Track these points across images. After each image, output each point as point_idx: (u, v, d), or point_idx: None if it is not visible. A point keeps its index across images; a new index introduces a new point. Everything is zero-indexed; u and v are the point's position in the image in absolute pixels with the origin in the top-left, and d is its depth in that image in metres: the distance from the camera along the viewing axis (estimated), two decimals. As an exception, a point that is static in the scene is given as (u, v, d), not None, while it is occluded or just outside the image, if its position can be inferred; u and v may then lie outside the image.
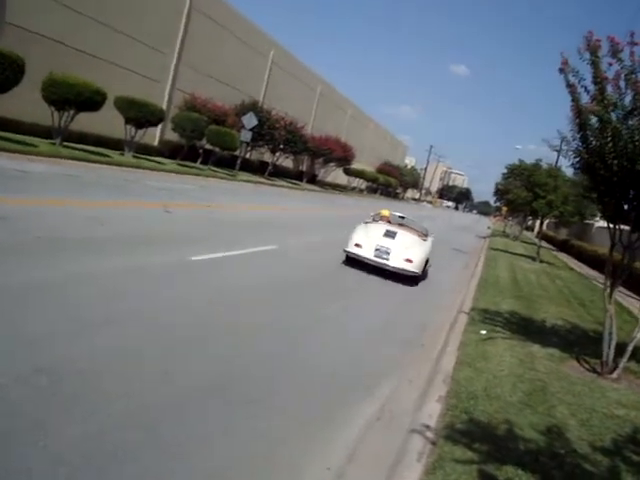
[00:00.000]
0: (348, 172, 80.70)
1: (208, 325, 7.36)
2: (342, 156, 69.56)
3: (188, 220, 16.12)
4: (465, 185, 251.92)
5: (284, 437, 5.03)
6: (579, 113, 8.22)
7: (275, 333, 7.87)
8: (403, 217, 17.14)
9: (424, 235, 16.11)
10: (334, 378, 6.75)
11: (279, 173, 58.84)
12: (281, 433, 5.09)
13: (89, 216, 12.36)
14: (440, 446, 5.15)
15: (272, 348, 7.22)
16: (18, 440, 3.90)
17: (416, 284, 14.74)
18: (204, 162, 42.31)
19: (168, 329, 6.79)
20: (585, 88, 8.11)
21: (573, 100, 8.27)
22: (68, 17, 31.33)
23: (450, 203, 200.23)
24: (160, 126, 37.37)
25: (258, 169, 54.46)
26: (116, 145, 32.63)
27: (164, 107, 37.90)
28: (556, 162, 35.06)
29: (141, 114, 30.83)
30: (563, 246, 47.90)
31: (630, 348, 8.50)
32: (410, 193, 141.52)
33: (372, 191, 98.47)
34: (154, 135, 39.79)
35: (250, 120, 42.36)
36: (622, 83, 7.75)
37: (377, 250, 14.24)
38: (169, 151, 40.35)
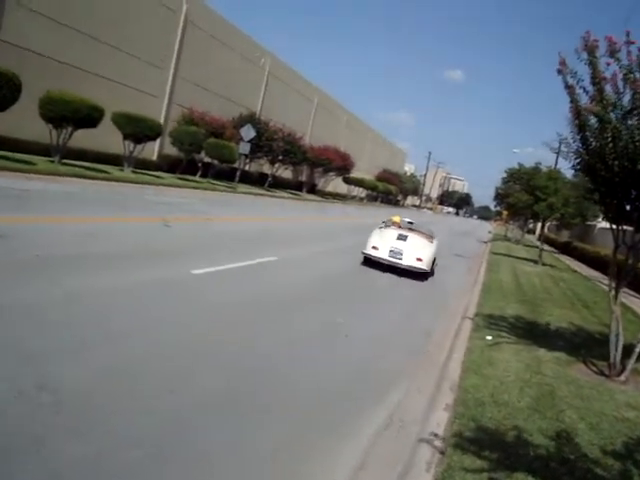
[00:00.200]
0: (348, 181, 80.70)
1: (210, 341, 7.29)
2: (341, 165, 69.58)
3: (188, 233, 16.08)
4: (465, 190, 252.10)
5: (295, 443, 4.96)
6: (578, 114, 8.19)
7: (271, 348, 7.80)
8: (412, 222, 19.70)
9: (431, 238, 18.36)
10: (345, 384, 6.69)
11: (279, 184, 58.84)
12: (290, 440, 5.02)
13: (88, 232, 12.32)
14: (449, 455, 5.08)
15: (270, 360, 7.15)
16: (17, 460, 3.84)
17: (425, 279, 16.96)
18: (203, 175, 42.32)
19: (170, 346, 6.73)
20: (584, 89, 8.08)
21: (572, 101, 8.24)
22: (63, 34, 31.40)
23: (451, 209, 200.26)
24: (158, 140, 37.35)
25: (257, 181, 54.44)
26: (115, 161, 32.65)
27: (162, 121, 37.93)
28: (555, 164, 35.09)
29: (139, 129, 30.85)
30: (565, 248, 47.84)
31: (638, 349, 8.42)
32: (410, 200, 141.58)
33: (372, 199, 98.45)
34: (153, 150, 39.81)
35: (248, 132, 42.37)
36: (620, 83, 7.72)
37: (391, 251, 16.57)
38: (168, 165, 40.36)
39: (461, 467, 4.87)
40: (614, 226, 8.93)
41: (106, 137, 30.93)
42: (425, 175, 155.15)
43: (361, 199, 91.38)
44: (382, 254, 16.60)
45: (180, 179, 36.72)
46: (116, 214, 16.73)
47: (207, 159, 41.98)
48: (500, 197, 54.34)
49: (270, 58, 58.39)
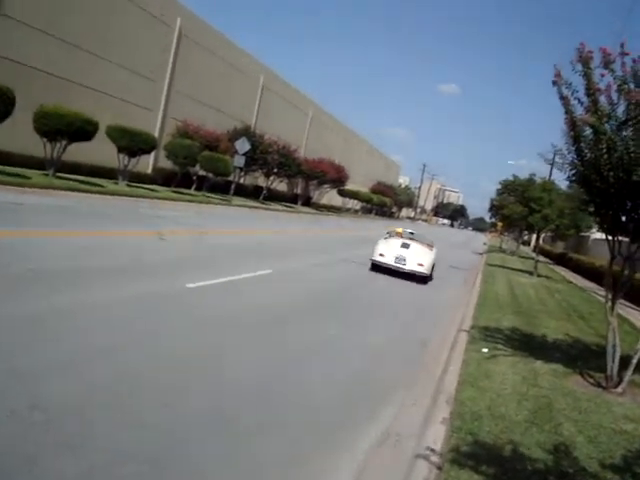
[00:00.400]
0: (342, 193, 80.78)
1: (204, 356, 7.23)
2: (336, 178, 69.63)
3: (183, 247, 16.03)
4: (460, 202, 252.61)
5: (289, 458, 4.90)
6: (573, 125, 8.18)
7: (266, 362, 7.74)
8: (413, 233, 21.78)
9: (431, 246, 20.77)
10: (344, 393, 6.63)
11: (273, 197, 58.82)
12: (284, 455, 4.95)
13: (83, 246, 12.27)
14: (446, 471, 5.01)
15: (267, 372, 7.08)
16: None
17: (425, 283, 19.06)
18: (198, 188, 42.31)
19: (164, 361, 6.66)
20: (578, 100, 8.08)
21: (567, 112, 8.24)
22: (57, 48, 31.48)
23: (446, 220, 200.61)
24: (153, 154, 37.36)
25: (252, 194, 54.43)
26: (109, 174, 32.63)
27: (156, 135, 37.99)
28: (549, 175, 35.14)
29: (133, 143, 30.81)
30: (560, 259, 47.89)
31: (635, 361, 8.38)
32: (405, 212, 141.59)
33: (367, 211, 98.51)
34: (147, 163, 39.82)
35: (243, 145, 42.38)
36: (614, 94, 7.72)
37: (396, 258, 18.82)
38: (163, 178, 40.33)
39: (458, 483, 4.81)
40: (610, 237, 8.91)
41: (100, 150, 30.90)
42: (420, 187, 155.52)
43: (356, 211, 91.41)
44: (388, 260, 18.86)
45: (175, 192, 36.66)
46: (111, 228, 16.67)
47: (202, 172, 41.99)
48: (495, 209, 54.51)
49: (264, 71, 58.57)
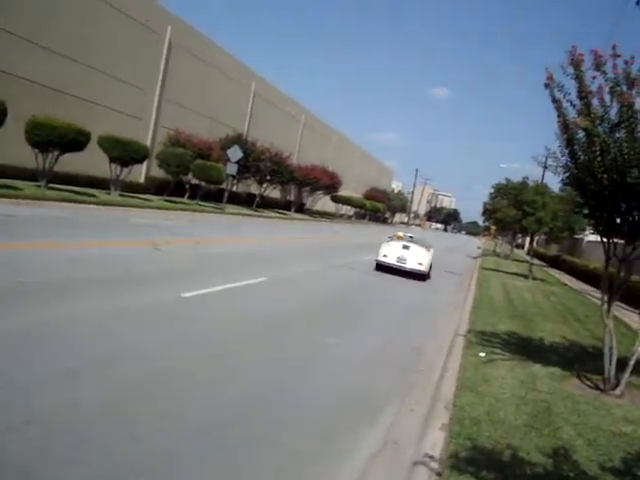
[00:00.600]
0: (336, 199, 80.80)
1: (200, 368, 7.18)
2: (329, 184, 69.69)
3: (177, 256, 15.98)
4: (453, 206, 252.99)
5: (288, 469, 4.85)
6: (566, 128, 8.19)
7: (263, 371, 7.70)
8: (412, 237, 24.42)
9: (428, 248, 23.04)
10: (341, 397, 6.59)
11: (267, 204, 58.79)
12: (284, 466, 4.91)
13: (76, 257, 12.21)
14: (446, 477, 4.98)
15: (263, 382, 7.04)
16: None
17: (424, 280, 21.55)
18: (191, 197, 42.25)
19: (161, 372, 6.61)
20: (571, 102, 8.08)
21: (559, 115, 8.24)
22: (48, 59, 31.44)
23: (439, 225, 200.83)
24: (145, 163, 37.21)
25: (246, 201, 54.39)
26: (102, 184, 32.52)
27: (148, 144, 37.93)
28: (542, 178, 35.27)
29: (125, 152, 30.71)
30: (554, 262, 47.96)
31: (632, 362, 8.37)
32: (398, 217, 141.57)
33: (361, 217, 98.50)
34: (140, 172, 39.71)
35: (235, 153, 42.33)
36: (607, 96, 7.73)
37: (398, 258, 21.38)
38: (155, 188, 40.24)
39: (459, 489, 4.77)
40: (605, 239, 8.91)
41: (93, 161, 30.82)
42: (412, 192, 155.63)
43: (349, 217, 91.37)
44: (391, 260, 21.45)
45: (168, 201, 36.59)
46: (104, 238, 16.60)
47: (194, 181, 41.94)
48: (488, 212, 54.48)
49: (255, 78, 58.63)
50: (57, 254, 12.32)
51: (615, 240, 8.90)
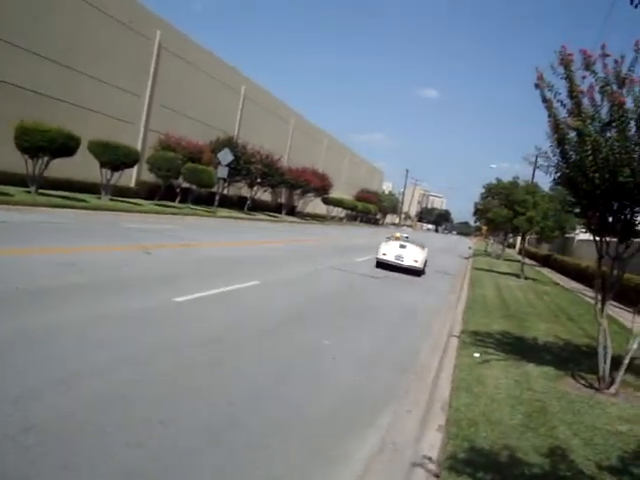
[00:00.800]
0: (327, 201, 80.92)
1: (194, 374, 7.15)
2: (320, 186, 69.81)
3: (169, 260, 15.93)
4: (444, 207, 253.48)
5: (287, 471, 4.83)
6: (557, 128, 8.20)
7: (259, 375, 7.67)
8: (407, 237, 27.25)
9: (423, 247, 25.60)
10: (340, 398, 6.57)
11: (258, 207, 58.80)
12: (283, 468, 4.88)
13: (68, 263, 12.13)
14: (444, 479, 4.97)
15: (259, 385, 7.02)
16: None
17: (419, 276, 23.85)
18: (182, 201, 42.20)
19: (157, 377, 6.58)
20: (561, 102, 8.10)
21: (550, 115, 8.26)
22: (36, 64, 31.39)
23: (430, 226, 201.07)
24: (136, 167, 37.21)
25: (237, 204, 54.34)
26: (93, 189, 32.46)
27: (139, 148, 37.86)
28: (532, 178, 35.39)
29: (116, 157, 30.65)
30: (546, 261, 48.10)
31: (626, 361, 8.38)
32: (390, 218, 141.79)
33: (352, 219, 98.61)
34: (130, 177, 39.68)
35: (226, 156, 42.31)
36: (597, 95, 7.76)
37: (396, 256, 23.79)
38: (146, 192, 40.18)
39: (457, 491, 4.77)
40: (597, 238, 8.92)
41: (83, 166, 30.75)
42: (403, 193, 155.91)
43: (341, 219, 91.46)
44: (390, 258, 23.86)
45: (159, 205, 36.53)
46: (96, 243, 16.54)
47: (185, 184, 41.91)
48: (479, 212, 54.57)
49: (245, 82, 58.65)
50: (50, 259, 12.23)
51: (607, 239, 8.92)
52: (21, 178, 26.35)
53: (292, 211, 71.48)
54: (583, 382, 8.97)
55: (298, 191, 68.70)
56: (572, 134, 8.12)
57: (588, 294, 24.81)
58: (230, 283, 13.19)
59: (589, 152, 7.81)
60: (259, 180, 53.82)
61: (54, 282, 10.26)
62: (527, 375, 9.02)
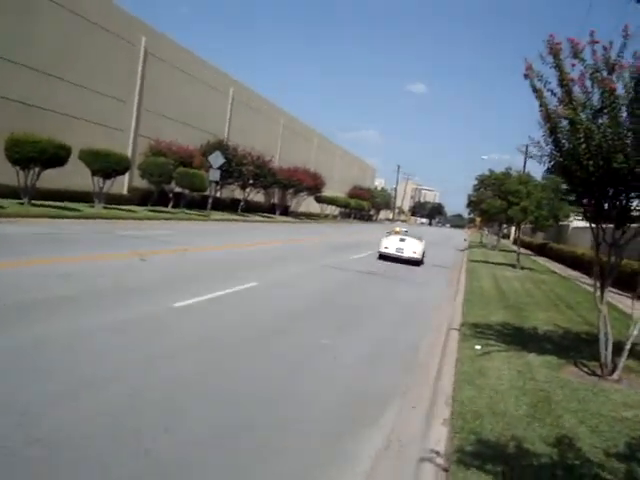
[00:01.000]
0: (320, 200, 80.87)
1: (199, 381, 7.13)
2: (312, 185, 69.82)
3: (165, 266, 15.88)
4: (437, 200, 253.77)
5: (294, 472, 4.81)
6: (548, 117, 8.19)
7: (264, 376, 7.66)
8: (407, 231, 30.19)
9: (421, 239, 28.14)
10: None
11: (251, 208, 58.75)
12: (290, 470, 4.87)
13: (62, 273, 12.07)
14: (453, 472, 4.95)
15: (266, 386, 7.01)
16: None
17: (418, 266, 26.10)
18: (175, 205, 42.12)
19: (159, 385, 6.56)
20: (552, 91, 8.09)
21: (541, 105, 8.25)
22: (23, 75, 31.23)
23: (424, 220, 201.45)
24: (127, 174, 37.06)
25: (230, 207, 54.25)
26: (86, 198, 32.35)
27: (129, 155, 37.75)
28: (524, 168, 35.45)
29: (107, 164, 30.50)
30: (541, 250, 48.22)
31: (628, 347, 8.40)
32: (383, 214, 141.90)
33: (346, 216, 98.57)
34: (122, 184, 39.54)
35: (217, 159, 42.21)
36: (588, 82, 7.76)
37: (397, 249, 26.14)
38: (139, 198, 40.10)
39: (467, 484, 4.75)
40: (593, 225, 8.93)
41: (75, 175, 30.65)
42: (396, 188, 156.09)
43: (334, 217, 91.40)
44: (391, 251, 26.17)
45: (152, 211, 36.46)
46: (91, 252, 16.44)
47: (178, 189, 41.85)
48: (473, 204, 54.65)
49: (233, 84, 58.59)
50: (42, 271, 12.17)
51: (604, 225, 8.93)
52: (13, 190, 26.25)
53: (286, 211, 71.45)
54: (585, 370, 8.98)
55: (291, 191, 68.73)
56: (564, 123, 8.12)
57: (585, 281, 24.87)
58: (228, 286, 13.15)
59: (582, 140, 7.81)
60: (251, 181, 53.78)
61: (51, 294, 10.18)
62: (529, 365, 9.02)
